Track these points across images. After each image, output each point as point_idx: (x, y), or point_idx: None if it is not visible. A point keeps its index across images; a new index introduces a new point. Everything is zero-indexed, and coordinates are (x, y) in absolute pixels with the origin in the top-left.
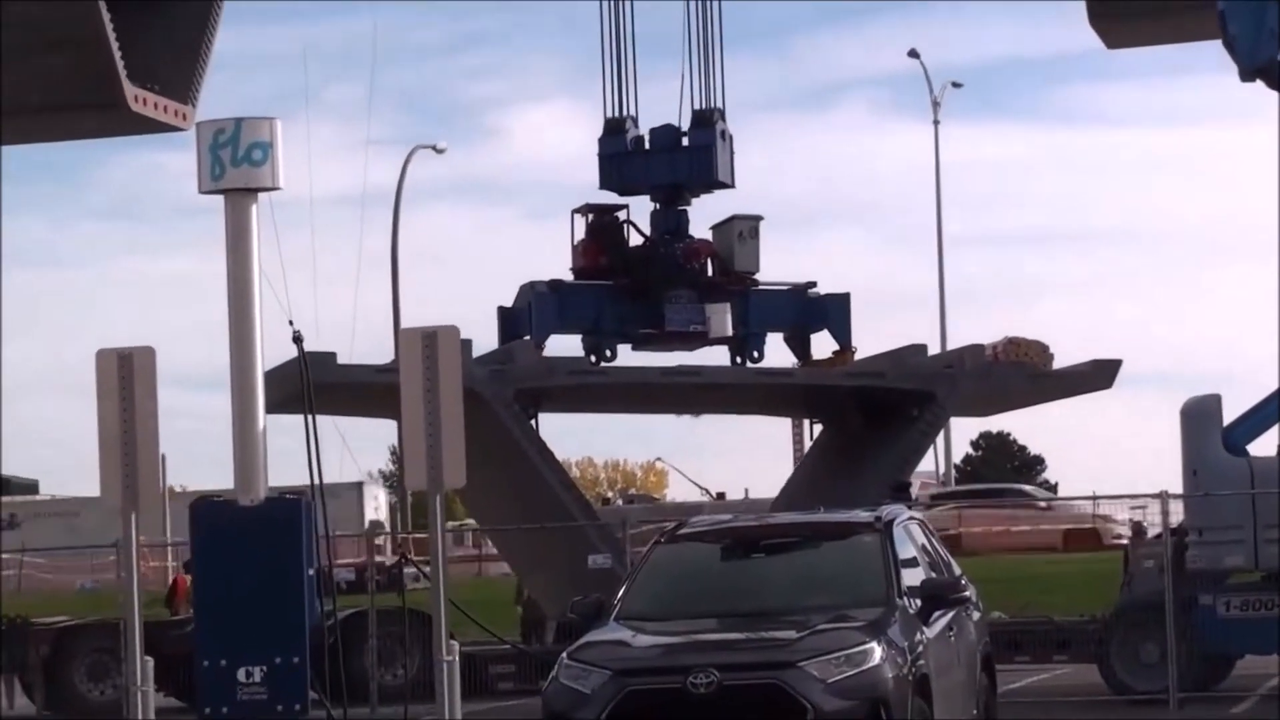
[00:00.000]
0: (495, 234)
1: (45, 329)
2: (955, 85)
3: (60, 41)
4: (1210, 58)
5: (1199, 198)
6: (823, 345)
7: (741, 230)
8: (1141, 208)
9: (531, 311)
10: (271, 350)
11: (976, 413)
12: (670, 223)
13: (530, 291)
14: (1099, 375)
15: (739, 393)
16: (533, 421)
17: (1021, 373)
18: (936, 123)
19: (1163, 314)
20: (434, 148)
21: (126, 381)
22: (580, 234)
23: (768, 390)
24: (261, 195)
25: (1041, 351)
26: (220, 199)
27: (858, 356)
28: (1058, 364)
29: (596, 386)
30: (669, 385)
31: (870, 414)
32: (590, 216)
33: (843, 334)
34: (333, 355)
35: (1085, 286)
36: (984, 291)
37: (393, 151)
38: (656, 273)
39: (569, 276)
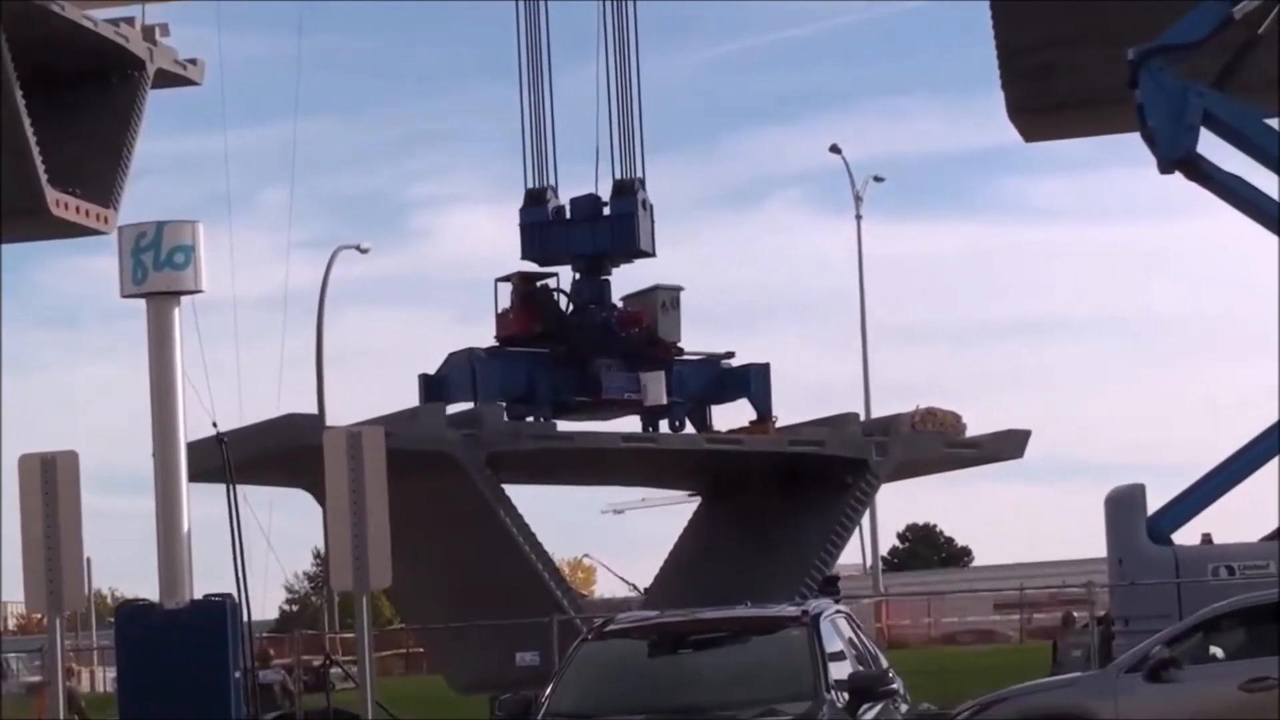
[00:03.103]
0: (420, 333)
1: None
2: (877, 179)
3: None
4: (1131, 151)
5: (1121, 290)
6: (728, 416)
7: (664, 300)
8: (1064, 300)
9: (475, 377)
10: (195, 452)
11: (898, 478)
12: (592, 292)
13: (468, 358)
14: (1010, 444)
15: (676, 460)
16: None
17: (941, 440)
18: (859, 217)
19: (1085, 404)
20: (358, 248)
21: (50, 486)
22: (505, 302)
23: (697, 459)
24: (185, 298)
25: (955, 421)
26: (143, 302)
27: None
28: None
29: (553, 454)
30: (618, 453)
31: (790, 485)
32: (521, 284)
33: (764, 403)
34: (319, 418)
35: (1007, 377)
36: (907, 383)
37: (321, 254)
38: (590, 340)
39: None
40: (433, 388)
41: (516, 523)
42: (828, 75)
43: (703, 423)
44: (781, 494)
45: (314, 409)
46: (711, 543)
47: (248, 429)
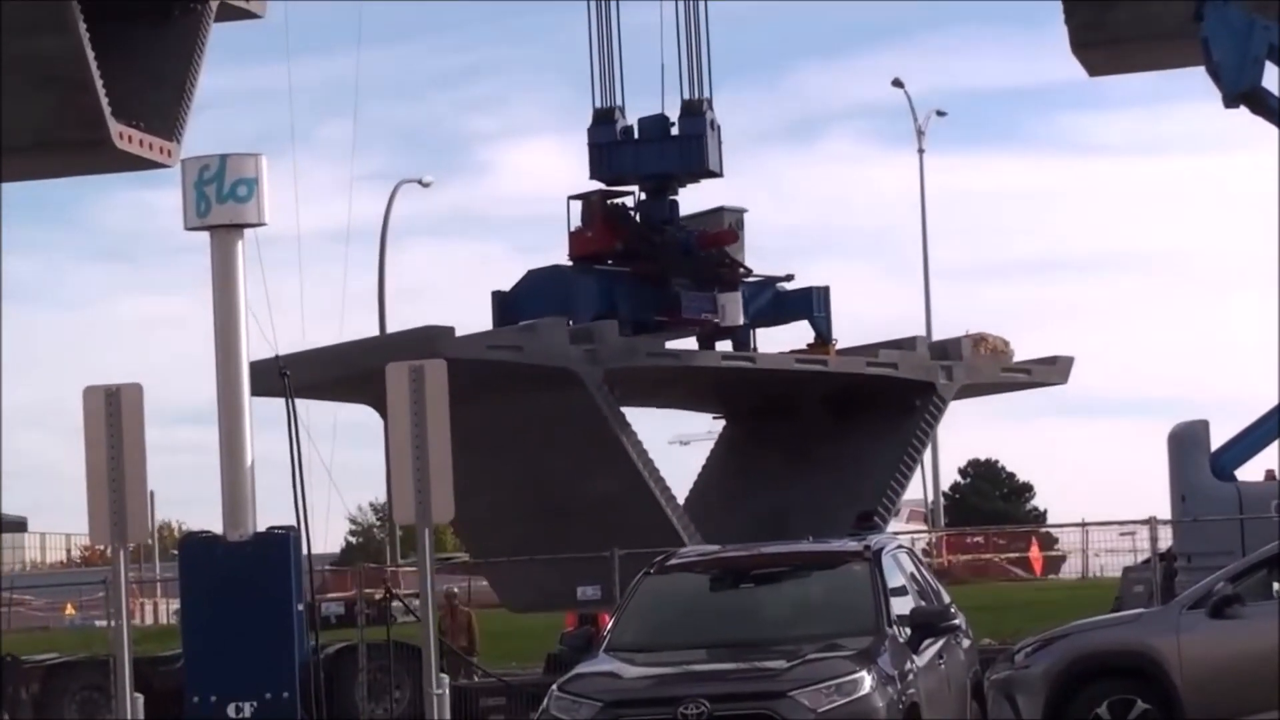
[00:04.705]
0: (483, 268)
1: (34, 368)
2: (939, 114)
3: (48, 81)
4: (1194, 84)
5: (1185, 226)
6: (772, 339)
7: (729, 221)
8: (1127, 236)
9: (572, 293)
10: (258, 384)
11: (954, 398)
12: (659, 212)
13: (556, 274)
14: (1056, 370)
15: (761, 379)
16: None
17: (996, 365)
18: (921, 151)
19: (1149, 341)
20: (420, 182)
21: (114, 418)
22: (577, 221)
23: (753, 380)
24: (248, 231)
25: (1005, 346)
26: (206, 236)
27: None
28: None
29: (662, 372)
30: (707, 372)
31: (848, 409)
32: (600, 200)
33: (824, 326)
34: (451, 329)
35: (1071, 314)
36: (969, 320)
37: (383, 187)
38: (670, 259)
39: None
40: (507, 305)
41: (632, 441)
42: (892, 8)
43: (747, 345)
44: (838, 418)
45: None
46: (756, 468)
47: (383, 339)
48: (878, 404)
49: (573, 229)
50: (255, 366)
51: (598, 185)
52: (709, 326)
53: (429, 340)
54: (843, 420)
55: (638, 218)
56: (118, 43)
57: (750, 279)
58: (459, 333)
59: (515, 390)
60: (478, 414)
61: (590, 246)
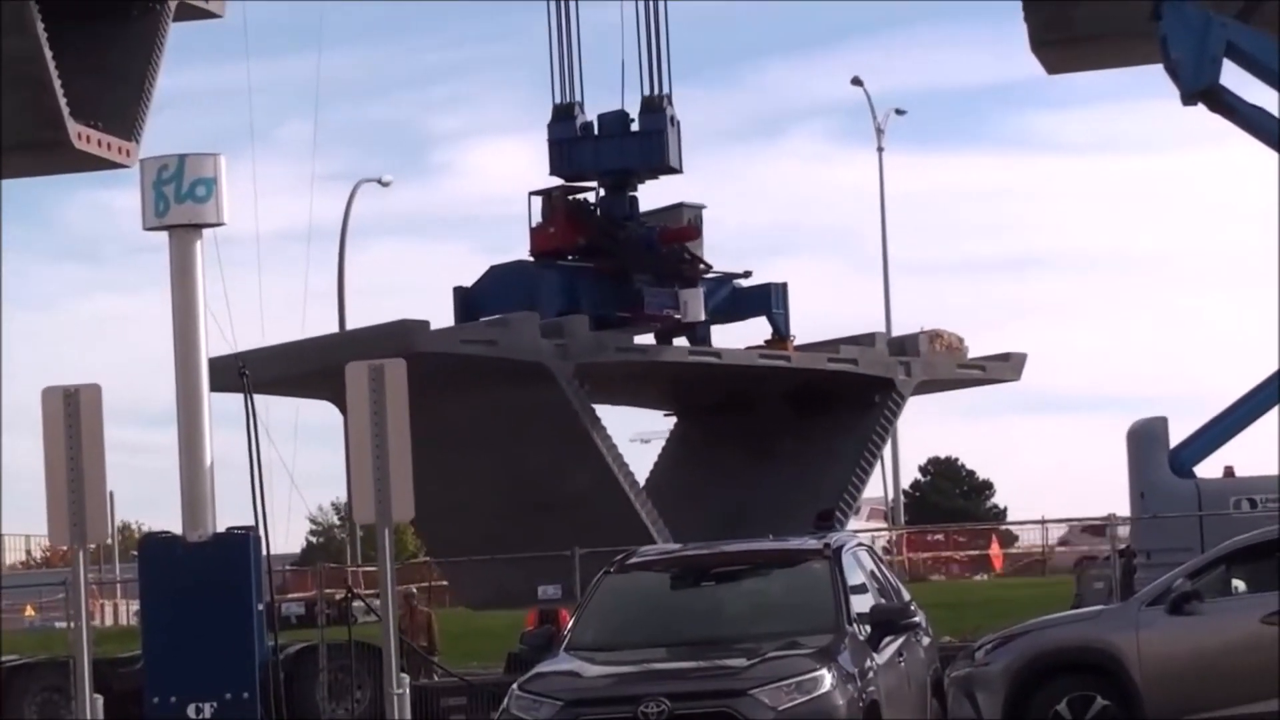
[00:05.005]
0: (443, 268)
1: None
2: (899, 112)
3: (7, 82)
4: (1156, 82)
5: (1144, 224)
6: (728, 335)
7: (689, 218)
8: (1087, 234)
9: (538, 289)
10: (219, 381)
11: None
12: (620, 208)
13: (520, 270)
14: (1009, 367)
15: (725, 375)
16: None
17: (952, 361)
18: (880, 149)
19: (1108, 338)
20: (379, 181)
21: (73, 419)
22: (538, 217)
23: (717, 376)
24: (207, 231)
25: (959, 343)
26: (165, 235)
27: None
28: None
29: (627, 367)
30: (670, 368)
31: (808, 405)
32: (562, 196)
33: (782, 322)
34: (425, 323)
35: (1031, 311)
36: (929, 317)
37: (345, 187)
38: (632, 255)
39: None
40: (469, 301)
41: (602, 436)
42: (855, 6)
43: (706, 341)
44: (799, 414)
45: None
46: (715, 465)
47: (359, 332)
48: (837, 400)
49: (534, 225)
50: (215, 363)
51: (557, 181)
52: (670, 322)
53: (404, 334)
54: (803, 416)
55: (599, 213)
56: (76, 43)
57: (709, 275)
58: None
59: (486, 385)
60: (447, 409)
61: (552, 242)
